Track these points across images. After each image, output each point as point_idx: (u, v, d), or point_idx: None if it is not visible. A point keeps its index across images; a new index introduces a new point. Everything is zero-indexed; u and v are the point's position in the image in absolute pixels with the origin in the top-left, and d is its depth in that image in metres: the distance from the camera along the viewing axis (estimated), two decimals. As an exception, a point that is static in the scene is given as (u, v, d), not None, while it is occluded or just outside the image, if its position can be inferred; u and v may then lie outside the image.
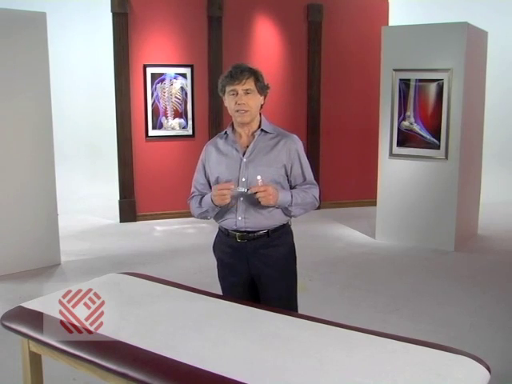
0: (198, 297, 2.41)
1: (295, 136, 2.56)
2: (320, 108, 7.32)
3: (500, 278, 4.77)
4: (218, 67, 6.79)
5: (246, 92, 2.40)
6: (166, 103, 6.67)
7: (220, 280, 2.66)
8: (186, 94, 6.72)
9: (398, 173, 5.71)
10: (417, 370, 1.74)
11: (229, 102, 2.45)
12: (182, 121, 6.76)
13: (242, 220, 2.46)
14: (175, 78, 6.67)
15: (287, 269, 2.58)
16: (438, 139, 5.42)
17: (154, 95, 6.61)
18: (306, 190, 2.51)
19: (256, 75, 2.44)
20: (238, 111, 2.42)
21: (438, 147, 5.43)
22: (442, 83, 5.35)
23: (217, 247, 2.64)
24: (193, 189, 2.64)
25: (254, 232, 2.48)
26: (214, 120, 6.87)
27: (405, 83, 5.55)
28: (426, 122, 5.48)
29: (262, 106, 2.51)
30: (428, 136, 5.48)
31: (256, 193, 2.34)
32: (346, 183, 7.46)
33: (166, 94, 6.65)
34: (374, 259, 5.35)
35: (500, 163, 8.11)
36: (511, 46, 7.89)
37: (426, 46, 5.43)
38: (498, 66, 7.31)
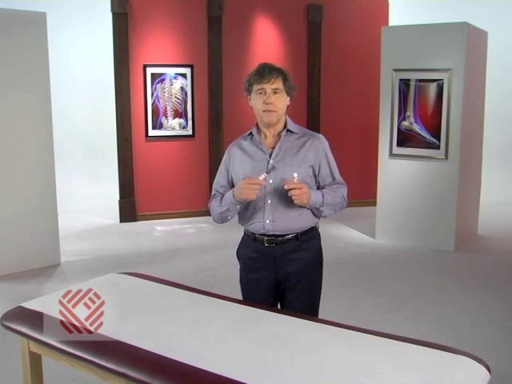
0: (198, 297, 2.41)
1: (321, 136, 2.51)
2: (320, 108, 7.32)
3: (500, 278, 4.77)
4: (218, 67, 6.80)
5: (275, 92, 2.35)
6: (166, 103, 6.67)
7: (243, 285, 2.58)
8: (185, 94, 6.72)
9: (398, 173, 5.71)
10: (417, 370, 1.74)
11: (256, 101, 2.38)
12: (181, 121, 6.76)
13: (269, 223, 2.39)
14: (175, 78, 6.67)
15: (314, 273, 2.52)
16: (438, 139, 5.42)
17: (154, 95, 6.61)
18: (335, 190, 2.46)
19: (284, 75, 2.39)
20: (265, 111, 2.36)
21: (437, 147, 5.43)
22: (442, 83, 5.35)
23: (241, 252, 2.57)
24: (213, 192, 2.56)
25: (283, 236, 2.41)
26: (214, 120, 6.87)
27: (405, 83, 5.55)
28: (426, 122, 5.48)
29: (287, 107, 2.45)
30: (428, 136, 5.48)
31: (290, 190, 2.26)
32: (346, 183, 7.44)
33: (166, 94, 6.65)
34: (374, 259, 5.35)
35: (500, 163, 8.11)
36: (511, 46, 7.89)
37: (425, 46, 5.43)
38: (498, 66, 7.31)
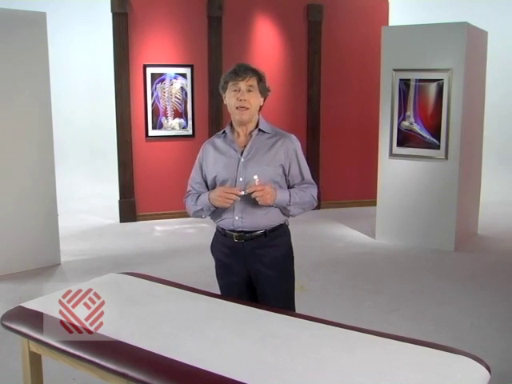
0: (198, 297, 2.41)
1: (293, 136, 2.57)
2: (320, 108, 7.32)
3: (500, 278, 4.77)
4: (218, 67, 6.79)
5: (249, 89, 2.43)
6: (166, 103, 6.67)
7: (218, 279, 2.68)
8: (185, 94, 6.72)
9: (398, 173, 5.71)
10: (417, 370, 1.74)
11: (230, 98, 2.46)
12: (181, 121, 6.76)
13: (239, 220, 2.46)
14: (175, 78, 6.67)
15: (285, 269, 2.58)
16: (438, 139, 5.42)
17: (154, 95, 6.61)
18: (304, 190, 2.53)
19: (259, 75, 2.48)
20: (237, 108, 2.43)
21: (437, 147, 5.43)
22: (442, 83, 5.35)
23: (214, 247, 2.65)
24: (189, 187, 2.65)
25: (251, 232, 2.48)
26: (213, 120, 6.87)
27: (405, 83, 5.55)
28: (426, 121, 5.48)
29: (260, 107, 2.53)
30: (428, 136, 5.48)
31: (253, 192, 2.35)
32: (346, 183, 7.46)
33: (166, 94, 6.65)
34: (374, 259, 5.35)
35: (500, 163, 8.11)
36: (511, 46, 7.89)
37: (425, 46, 5.43)
38: (498, 66, 7.31)
